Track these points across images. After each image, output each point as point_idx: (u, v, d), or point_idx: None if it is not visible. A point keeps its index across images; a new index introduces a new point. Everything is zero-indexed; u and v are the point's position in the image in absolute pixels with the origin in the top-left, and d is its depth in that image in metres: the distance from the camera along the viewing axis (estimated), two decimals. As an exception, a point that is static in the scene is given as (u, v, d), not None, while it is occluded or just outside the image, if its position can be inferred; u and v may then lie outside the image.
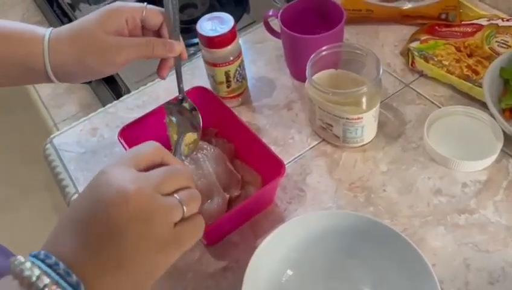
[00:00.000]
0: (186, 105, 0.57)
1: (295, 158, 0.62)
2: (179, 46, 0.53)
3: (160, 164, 0.37)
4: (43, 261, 0.31)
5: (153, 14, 0.52)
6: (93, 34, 0.50)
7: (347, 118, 0.58)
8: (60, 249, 0.32)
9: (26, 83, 0.56)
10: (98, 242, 0.32)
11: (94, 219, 0.33)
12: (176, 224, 0.34)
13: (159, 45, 0.51)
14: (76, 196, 0.62)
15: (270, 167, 0.54)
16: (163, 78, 0.56)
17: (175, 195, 0.35)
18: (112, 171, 0.34)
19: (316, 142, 0.63)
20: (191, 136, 0.55)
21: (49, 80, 0.52)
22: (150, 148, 0.37)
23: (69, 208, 0.36)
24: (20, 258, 0.31)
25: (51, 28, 0.52)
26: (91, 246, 0.32)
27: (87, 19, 0.51)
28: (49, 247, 0.33)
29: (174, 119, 0.56)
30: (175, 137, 0.55)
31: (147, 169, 0.36)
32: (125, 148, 0.57)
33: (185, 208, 0.35)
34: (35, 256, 0.32)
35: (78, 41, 0.50)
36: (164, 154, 0.38)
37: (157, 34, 0.54)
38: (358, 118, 0.57)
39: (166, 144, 0.62)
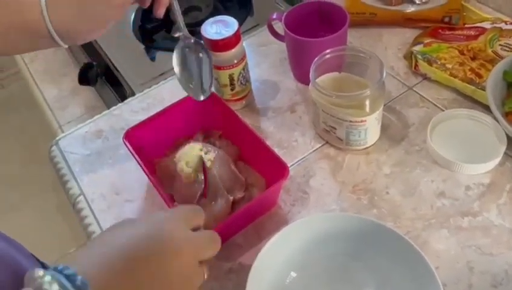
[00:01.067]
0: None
1: (299, 160, 0.62)
2: None
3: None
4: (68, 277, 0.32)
5: None
6: None
7: (350, 121, 0.58)
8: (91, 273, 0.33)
9: (32, 47, 0.53)
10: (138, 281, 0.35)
11: (143, 260, 0.36)
12: None
13: None
14: (81, 197, 0.63)
15: (274, 169, 0.55)
16: (160, 17, 0.55)
17: (203, 268, 0.40)
18: (175, 227, 0.39)
19: (320, 145, 0.64)
20: (193, 151, 0.55)
21: (54, 42, 0.50)
22: (202, 215, 0.43)
23: (112, 234, 0.38)
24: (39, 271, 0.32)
25: None
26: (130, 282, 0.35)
27: None
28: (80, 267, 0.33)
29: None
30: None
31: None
32: (130, 151, 0.57)
33: (205, 276, 0.41)
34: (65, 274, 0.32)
35: None
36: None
37: None
38: (362, 121, 0.58)
39: (171, 145, 0.62)
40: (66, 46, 0.52)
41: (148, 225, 0.39)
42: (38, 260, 0.58)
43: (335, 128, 0.60)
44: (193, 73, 0.58)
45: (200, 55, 0.58)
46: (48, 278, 0.31)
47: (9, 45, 0.51)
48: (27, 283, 0.32)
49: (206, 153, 0.57)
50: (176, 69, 0.57)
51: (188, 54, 0.58)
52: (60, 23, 0.49)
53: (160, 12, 0.55)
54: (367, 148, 0.62)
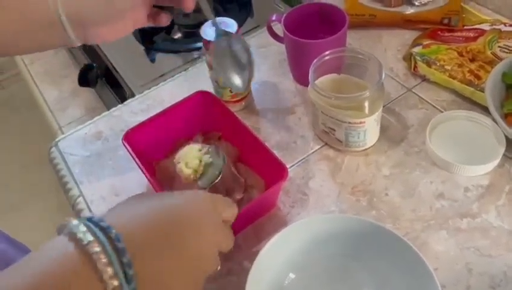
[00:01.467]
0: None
1: (298, 162, 0.62)
2: None
3: None
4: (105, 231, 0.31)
5: None
6: None
7: (349, 122, 0.58)
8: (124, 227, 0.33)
9: (37, 41, 0.48)
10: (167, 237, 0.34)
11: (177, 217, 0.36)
12: None
13: None
14: (80, 199, 0.63)
15: (273, 170, 0.55)
16: (190, 10, 0.51)
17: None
18: (205, 205, 0.39)
19: (319, 146, 0.64)
20: (192, 152, 0.55)
21: (64, 33, 0.46)
22: (234, 210, 0.43)
23: (136, 201, 0.37)
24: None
25: None
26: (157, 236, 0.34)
27: None
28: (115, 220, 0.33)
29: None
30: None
31: None
32: (129, 152, 0.57)
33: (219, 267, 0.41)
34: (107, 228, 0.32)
35: None
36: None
37: None
38: (361, 123, 0.58)
39: (170, 147, 0.62)
40: (79, 44, 0.49)
41: (172, 196, 0.38)
42: None
43: (334, 130, 0.60)
44: (234, 64, 0.56)
45: (237, 46, 0.56)
46: (82, 228, 0.31)
47: (18, 42, 0.47)
48: (59, 231, 0.33)
49: (205, 154, 0.57)
50: (213, 63, 0.56)
51: (225, 47, 0.56)
52: (73, 11, 0.46)
53: (189, 6, 0.51)
54: (366, 149, 0.62)
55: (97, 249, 0.30)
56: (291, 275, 0.51)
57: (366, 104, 0.57)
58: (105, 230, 0.31)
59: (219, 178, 0.53)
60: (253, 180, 0.58)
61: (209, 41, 0.62)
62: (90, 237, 0.30)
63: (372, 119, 0.58)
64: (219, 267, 0.40)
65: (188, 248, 0.35)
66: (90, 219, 0.32)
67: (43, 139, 0.89)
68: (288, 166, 0.55)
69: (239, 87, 0.56)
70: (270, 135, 0.66)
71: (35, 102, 0.99)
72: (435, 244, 0.53)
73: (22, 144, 1.94)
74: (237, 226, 0.56)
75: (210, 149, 0.57)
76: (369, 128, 0.59)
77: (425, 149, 0.61)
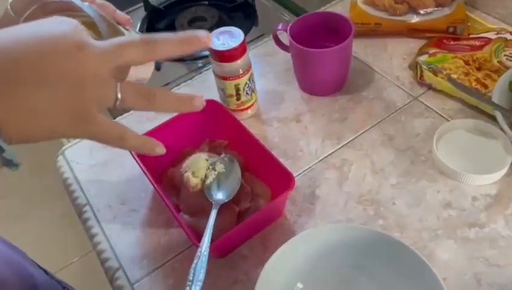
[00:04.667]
0: None
1: (304, 171, 0.62)
2: None
3: None
4: None
5: None
6: None
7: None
8: None
9: None
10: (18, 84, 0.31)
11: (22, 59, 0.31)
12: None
13: None
14: (87, 207, 0.63)
15: (280, 179, 0.55)
16: None
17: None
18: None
19: (325, 155, 0.64)
20: (199, 161, 0.56)
21: None
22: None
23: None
24: None
25: None
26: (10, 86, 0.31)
27: None
28: None
29: None
30: None
31: None
32: (137, 161, 0.57)
33: (118, 95, 0.33)
34: None
35: None
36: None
37: None
38: None
39: (177, 155, 0.62)
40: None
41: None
42: (39, 267, 0.58)
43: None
44: None
45: None
46: None
47: None
48: None
49: (220, 163, 0.58)
50: None
51: None
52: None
53: None
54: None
55: None
56: (299, 285, 0.51)
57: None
58: None
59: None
60: (260, 189, 0.58)
61: (214, 51, 0.62)
62: None
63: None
64: (120, 96, 0.34)
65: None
66: None
67: (48, 147, 0.89)
68: (294, 175, 0.55)
69: None
70: (276, 144, 0.66)
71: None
72: (443, 254, 0.52)
73: (27, 151, 1.95)
74: (244, 236, 0.56)
75: (225, 158, 0.57)
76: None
77: (432, 158, 0.61)
